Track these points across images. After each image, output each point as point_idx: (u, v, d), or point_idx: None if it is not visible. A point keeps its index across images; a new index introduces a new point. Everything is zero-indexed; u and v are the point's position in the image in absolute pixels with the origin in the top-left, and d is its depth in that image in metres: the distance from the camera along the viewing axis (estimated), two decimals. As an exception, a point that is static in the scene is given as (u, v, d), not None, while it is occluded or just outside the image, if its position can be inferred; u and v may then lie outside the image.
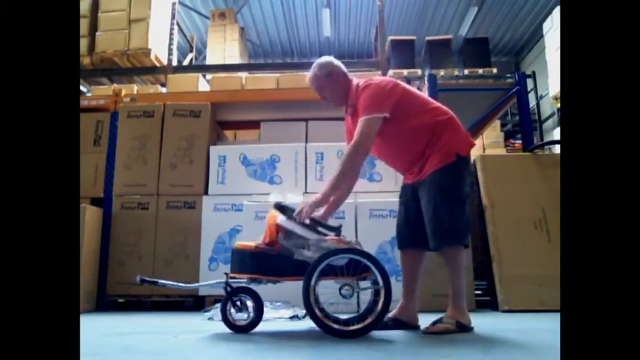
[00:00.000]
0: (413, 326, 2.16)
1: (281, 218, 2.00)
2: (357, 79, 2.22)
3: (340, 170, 2.02)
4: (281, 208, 2.03)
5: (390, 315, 2.17)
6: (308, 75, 2.27)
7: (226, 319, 2.07)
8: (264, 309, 2.59)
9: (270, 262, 1.98)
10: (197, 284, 2.32)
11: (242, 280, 2.08)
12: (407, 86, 2.18)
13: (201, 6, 8.68)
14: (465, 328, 1.98)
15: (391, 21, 9.21)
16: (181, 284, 2.25)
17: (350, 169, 2.05)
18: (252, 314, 2.07)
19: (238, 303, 2.08)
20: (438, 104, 2.20)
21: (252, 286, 2.09)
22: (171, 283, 2.22)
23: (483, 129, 4.86)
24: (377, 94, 2.04)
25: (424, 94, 2.29)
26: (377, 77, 2.19)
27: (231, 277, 2.09)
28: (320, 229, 2.04)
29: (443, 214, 1.99)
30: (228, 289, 2.07)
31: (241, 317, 2.09)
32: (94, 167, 3.79)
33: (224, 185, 3.60)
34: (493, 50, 10.05)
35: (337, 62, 2.24)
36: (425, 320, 2.09)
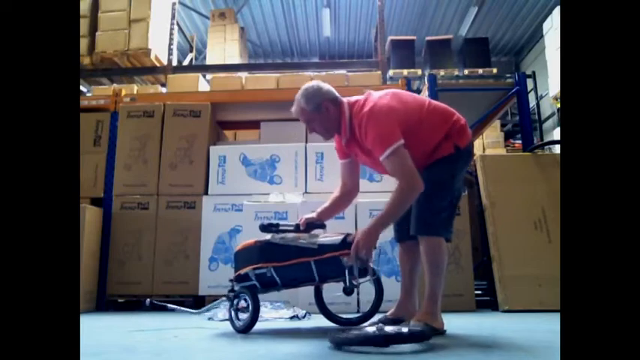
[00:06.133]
0: None
1: (271, 237, 2.06)
2: (346, 100, 2.05)
3: (391, 207, 1.87)
4: (266, 227, 2.10)
5: (388, 314, 2.17)
6: (293, 106, 2.05)
7: (233, 323, 2.09)
8: (265, 309, 2.61)
9: (272, 249, 2.03)
10: (205, 307, 2.38)
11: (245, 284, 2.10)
12: (397, 100, 1.99)
13: (201, 6, 8.68)
14: (435, 332, 1.85)
15: (391, 21, 9.21)
16: (191, 310, 2.32)
17: (401, 205, 1.88)
18: (249, 314, 2.07)
19: (242, 303, 2.09)
20: (428, 102, 2.07)
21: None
22: (180, 308, 2.27)
23: (483, 129, 4.86)
24: (383, 127, 1.89)
25: (412, 95, 2.13)
26: (369, 101, 1.97)
27: (236, 276, 2.11)
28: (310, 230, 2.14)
29: (427, 201, 1.95)
30: (231, 294, 2.09)
31: (241, 317, 2.10)
32: (94, 167, 3.79)
33: (224, 185, 3.60)
34: (493, 50, 10.05)
35: (326, 88, 2.03)
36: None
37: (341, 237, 1.98)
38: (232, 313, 2.09)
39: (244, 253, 2.11)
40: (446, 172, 2.00)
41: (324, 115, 2.01)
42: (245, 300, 2.08)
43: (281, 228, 2.11)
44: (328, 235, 2.05)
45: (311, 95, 2.01)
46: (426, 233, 1.97)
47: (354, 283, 1.91)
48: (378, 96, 2.01)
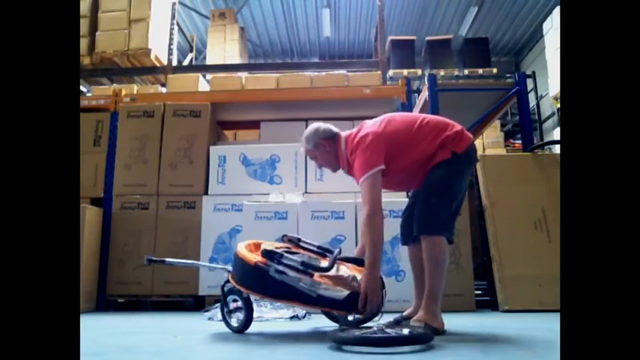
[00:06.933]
0: None
1: (270, 270, 1.87)
2: (345, 133, 2.20)
3: (370, 243, 1.94)
4: (268, 254, 1.89)
5: (403, 314, 2.17)
6: (301, 147, 2.30)
7: (227, 322, 2.09)
8: (265, 309, 2.61)
9: (267, 282, 1.88)
10: (205, 263, 2.39)
11: None
12: (386, 124, 2.11)
13: (201, 6, 8.68)
14: (435, 332, 1.84)
15: (391, 21, 9.21)
16: (188, 261, 2.35)
17: (377, 236, 1.95)
18: (243, 314, 2.06)
19: (234, 304, 2.08)
20: (422, 119, 2.14)
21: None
22: (178, 261, 2.27)
23: (483, 129, 4.85)
24: (365, 155, 2.04)
25: (405, 114, 2.29)
26: (362, 130, 2.12)
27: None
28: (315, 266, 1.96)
29: (427, 202, 2.02)
30: (225, 289, 2.08)
31: (236, 317, 2.09)
32: (94, 167, 3.79)
33: (224, 185, 3.60)
34: (493, 50, 10.05)
35: (323, 128, 2.23)
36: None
37: (344, 293, 1.88)
38: (225, 314, 2.08)
39: (241, 266, 1.95)
40: (444, 174, 2.05)
41: (324, 152, 2.23)
42: (235, 300, 2.07)
43: (284, 261, 1.88)
44: (331, 288, 1.90)
45: (310, 136, 2.24)
46: (427, 233, 2.00)
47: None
48: (371, 124, 2.16)
